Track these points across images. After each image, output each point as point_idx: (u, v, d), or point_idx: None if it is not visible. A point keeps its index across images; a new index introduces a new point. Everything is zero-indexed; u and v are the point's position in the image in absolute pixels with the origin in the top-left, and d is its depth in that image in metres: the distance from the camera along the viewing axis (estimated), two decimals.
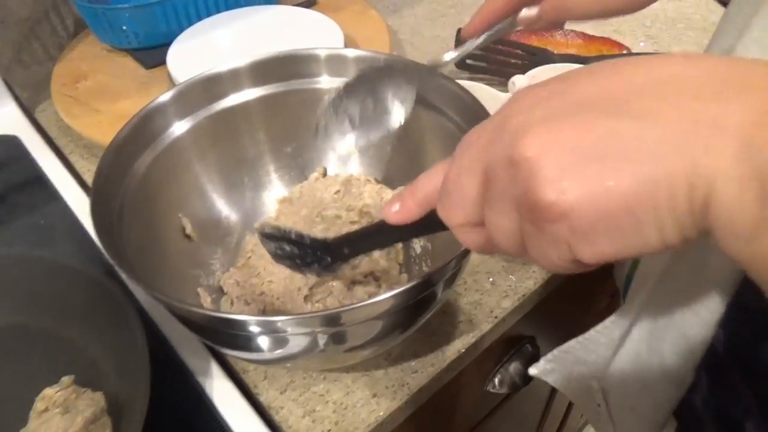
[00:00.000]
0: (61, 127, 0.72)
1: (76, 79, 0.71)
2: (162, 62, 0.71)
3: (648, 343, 0.44)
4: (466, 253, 0.38)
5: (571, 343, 0.48)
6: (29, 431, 0.40)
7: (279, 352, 0.40)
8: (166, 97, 0.45)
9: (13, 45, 0.77)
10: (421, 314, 0.42)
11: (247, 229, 0.55)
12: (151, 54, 0.73)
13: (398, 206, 0.30)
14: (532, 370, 0.51)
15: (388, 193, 0.54)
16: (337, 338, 0.39)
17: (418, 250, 0.53)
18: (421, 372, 0.47)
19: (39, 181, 0.63)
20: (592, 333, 0.47)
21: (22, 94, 0.76)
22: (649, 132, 0.20)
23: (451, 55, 0.48)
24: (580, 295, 0.77)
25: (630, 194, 0.20)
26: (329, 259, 0.39)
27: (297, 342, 0.39)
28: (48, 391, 0.42)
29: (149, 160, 0.45)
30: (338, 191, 0.56)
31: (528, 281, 0.53)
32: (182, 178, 0.49)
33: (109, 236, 0.38)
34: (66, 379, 0.43)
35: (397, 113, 0.48)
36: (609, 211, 0.20)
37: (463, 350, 0.49)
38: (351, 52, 0.50)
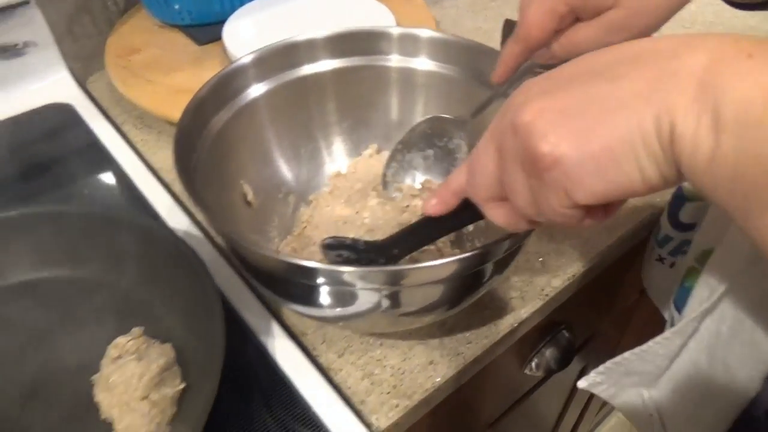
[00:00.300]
0: (113, 98, 0.73)
1: (129, 52, 0.73)
2: (214, 39, 0.73)
3: (709, 353, 0.45)
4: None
5: (626, 355, 0.49)
6: (103, 377, 0.41)
7: (341, 310, 0.41)
8: (247, 59, 0.47)
9: (66, 18, 0.78)
10: (476, 287, 0.43)
11: (302, 200, 0.56)
12: (204, 31, 0.74)
13: (436, 200, 0.35)
14: (582, 384, 0.52)
15: None
16: (396, 300, 0.40)
17: (471, 228, 0.54)
18: (476, 343, 0.48)
19: (94, 146, 0.65)
20: (651, 344, 0.48)
21: (73, 66, 0.77)
22: (621, 89, 0.24)
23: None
24: (612, 286, 0.78)
25: (609, 139, 0.24)
26: (382, 260, 0.41)
27: (360, 299, 0.39)
28: (120, 340, 0.43)
29: (225, 117, 0.47)
30: None
31: (576, 263, 0.54)
32: (251, 140, 0.50)
33: (194, 186, 0.39)
34: (136, 330, 0.44)
35: (460, 153, 0.52)
36: (594, 155, 0.24)
37: (516, 325, 0.50)
38: (424, 33, 0.51)
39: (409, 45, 0.52)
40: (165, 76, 0.69)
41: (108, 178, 0.61)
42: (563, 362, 0.67)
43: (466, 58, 0.51)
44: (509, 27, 0.49)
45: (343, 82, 0.52)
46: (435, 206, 0.35)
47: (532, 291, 0.52)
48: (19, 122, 0.67)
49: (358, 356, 0.47)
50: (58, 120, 0.68)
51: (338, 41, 0.51)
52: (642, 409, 0.53)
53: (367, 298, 0.39)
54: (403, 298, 0.41)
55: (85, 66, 0.78)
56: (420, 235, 0.39)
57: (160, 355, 0.42)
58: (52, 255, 0.48)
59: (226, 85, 0.47)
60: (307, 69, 0.51)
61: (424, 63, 0.52)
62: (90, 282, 0.48)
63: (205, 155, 0.45)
